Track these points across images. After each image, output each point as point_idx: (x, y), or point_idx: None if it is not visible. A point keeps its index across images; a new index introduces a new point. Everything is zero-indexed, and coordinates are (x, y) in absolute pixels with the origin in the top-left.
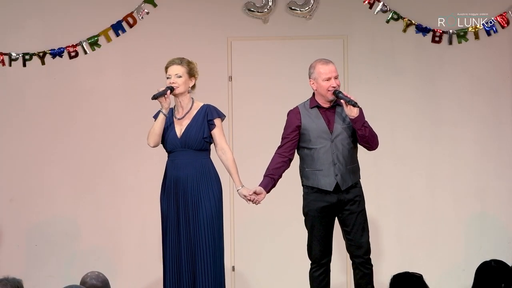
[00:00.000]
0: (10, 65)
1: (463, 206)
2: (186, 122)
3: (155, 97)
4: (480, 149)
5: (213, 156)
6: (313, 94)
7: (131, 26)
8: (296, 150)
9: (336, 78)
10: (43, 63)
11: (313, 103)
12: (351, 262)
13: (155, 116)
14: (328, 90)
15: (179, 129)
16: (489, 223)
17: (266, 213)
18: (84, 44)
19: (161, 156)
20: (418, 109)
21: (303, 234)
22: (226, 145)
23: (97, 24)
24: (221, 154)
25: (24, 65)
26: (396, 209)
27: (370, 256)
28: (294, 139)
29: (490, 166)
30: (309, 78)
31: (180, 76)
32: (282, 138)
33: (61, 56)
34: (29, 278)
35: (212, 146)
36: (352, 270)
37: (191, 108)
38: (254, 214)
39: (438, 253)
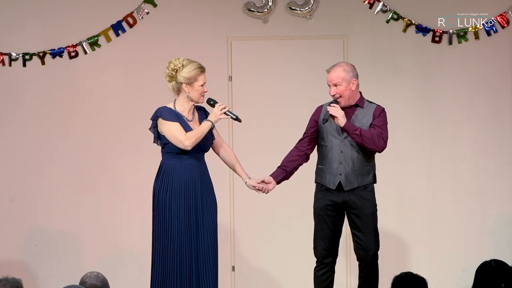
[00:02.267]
0: (10, 65)
1: (463, 206)
2: (196, 125)
3: (238, 120)
4: (480, 149)
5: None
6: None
7: (131, 26)
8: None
9: (336, 85)
10: (43, 63)
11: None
12: (352, 263)
13: (169, 117)
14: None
15: None
16: (489, 223)
17: (266, 213)
18: (84, 44)
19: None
20: (418, 109)
21: (303, 234)
22: (225, 142)
23: (97, 24)
24: (222, 151)
25: (24, 65)
26: (396, 209)
27: (378, 262)
28: (312, 135)
29: (490, 166)
30: None
31: None
32: (303, 133)
33: (61, 56)
34: (29, 278)
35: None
36: (352, 271)
37: (194, 111)
38: (254, 214)
39: (438, 253)
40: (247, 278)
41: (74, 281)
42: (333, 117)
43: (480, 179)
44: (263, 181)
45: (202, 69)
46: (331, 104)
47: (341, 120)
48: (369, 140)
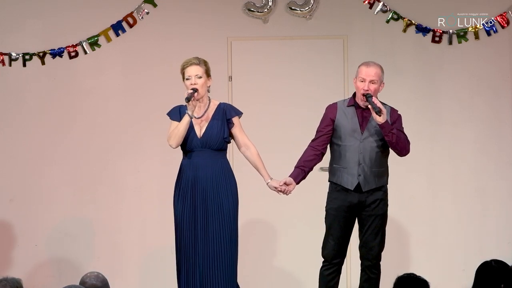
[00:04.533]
0: (10, 65)
1: (463, 206)
2: (205, 122)
3: (188, 100)
4: (480, 149)
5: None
6: (354, 93)
7: (131, 26)
8: (329, 145)
9: (372, 82)
10: (43, 63)
11: (351, 101)
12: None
13: (172, 115)
14: (361, 92)
15: (199, 129)
16: (489, 223)
17: (267, 213)
18: (84, 44)
19: (161, 156)
20: (418, 109)
21: (304, 234)
22: (249, 141)
23: (97, 24)
24: (245, 151)
25: (24, 65)
26: (396, 209)
27: (380, 263)
28: (328, 134)
29: (490, 166)
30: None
31: (200, 77)
32: (316, 132)
33: (61, 56)
34: (29, 278)
35: (229, 145)
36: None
37: (208, 107)
38: (255, 214)
39: (438, 253)
40: (247, 278)
41: (74, 281)
42: (375, 110)
43: (480, 179)
44: (284, 183)
45: (186, 64)
46: (374, 98)
47: (385, 116)
48: (402, 142)
